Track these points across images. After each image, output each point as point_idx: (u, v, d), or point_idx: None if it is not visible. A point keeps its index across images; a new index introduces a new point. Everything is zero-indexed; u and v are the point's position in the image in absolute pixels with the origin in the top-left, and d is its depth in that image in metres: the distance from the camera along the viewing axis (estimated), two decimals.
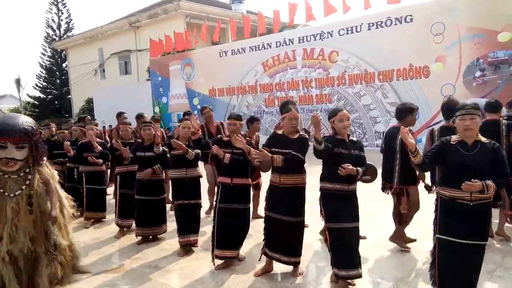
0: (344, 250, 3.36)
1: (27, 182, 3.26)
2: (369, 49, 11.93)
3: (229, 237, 4.06)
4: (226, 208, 4.06)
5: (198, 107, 16.91)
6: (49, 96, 34.52)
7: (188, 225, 4.60)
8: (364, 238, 4.55)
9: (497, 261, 3.97)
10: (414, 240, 4.48)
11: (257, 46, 14.93)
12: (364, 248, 4.13)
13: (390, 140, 4.35)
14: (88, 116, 9.23)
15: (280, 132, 3.87)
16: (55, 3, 34.27)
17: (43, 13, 48.28)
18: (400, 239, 4.44)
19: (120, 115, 7.56)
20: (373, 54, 11.91)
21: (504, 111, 5.34)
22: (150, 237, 5.10)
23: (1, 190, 3.15)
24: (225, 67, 15.87)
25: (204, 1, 24.97)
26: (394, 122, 11.70)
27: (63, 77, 34.17)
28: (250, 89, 15.31)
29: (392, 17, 11.44)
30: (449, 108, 4.03)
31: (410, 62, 11.17)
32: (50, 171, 3.59)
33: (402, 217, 4.38)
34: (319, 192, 3.54)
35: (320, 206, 3.53)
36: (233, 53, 15.69)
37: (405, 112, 4.31)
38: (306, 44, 13.49)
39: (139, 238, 5.06)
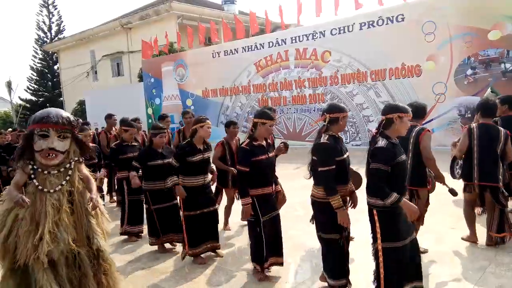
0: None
1: (67, 177, 2.92)
2: (361, 48, 11.98)
3: (278, 244, 3.86)
4: (270, 218, 3.77)
5: (192, 108, 16.90)
6: (41, 99, 34.26)
7: (205, 233, 4.34)
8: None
9: (490, 257, 4.00)
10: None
11: (249, 47, 14.94)
12: (362, 250, 4.15)
13: (402, 140, 4.26)
14: (80, 120, 9.14)
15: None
16: (46, 5, 34.11)
17: (33, 16, 47.94)
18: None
19: (110, 117, 7.58)
20: (365, 54, 11.96)
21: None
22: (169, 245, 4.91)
23: (40, 187, 2.81)
24: (218, 68, 15.85)
25: (196, 2, 24.95)
26: None
27: (54, 80, 33.97)
28: (243, 89, 15.31)
29: (383, 16, 11.50)
30: (489, 107, 4.33)
31: (402, 61, 11.23)
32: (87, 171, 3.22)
33: (419, 218, 4.15)
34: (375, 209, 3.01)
35: (378, 225, 2.99)
36: (226, 53, 15.69)
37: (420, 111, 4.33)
38: (299, 44, 13.52)
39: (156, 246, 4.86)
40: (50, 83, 34.51)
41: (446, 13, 10.27)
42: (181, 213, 4.43)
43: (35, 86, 34.46)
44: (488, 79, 9.93)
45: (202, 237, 4.29)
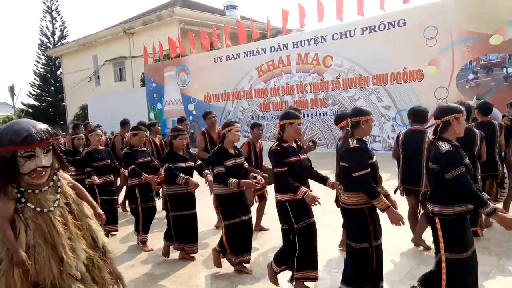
0: None
1: (59, 190, 2.74)
2: (363, 53, 12.00)
3: (313, 255, 3.58)
4: (305, 225, 3.52)
5: (194, 112, 16.93)
6: (43, 104, 34.41)
7: (244, 243, 4.12)
8: None
9: (492, 263, 3.98)
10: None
11: (251, 52, 14.98)
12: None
13: (413, 143, 4.30)
14: (91, 123, 9.00)
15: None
16: (49, 11, 34.30)
17: (37, 21, 48.24)
18: (421, 238, 4.43)
19: (125, 124, 7.38)
20: (367, 58, 11.98)
21: (496, 113, 5.44)
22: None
23: (38, 209, 2.59)
24: (220, 73, 15.90)
25: (198, 8, 25.08)
26: (388, 125, 11.83)
27: (57, 85, 34.11)
28: (245, 94, 15.33)
29: (385, 21, 11.52)
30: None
31: (404, 66, 11.24)
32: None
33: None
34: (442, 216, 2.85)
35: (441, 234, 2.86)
36: (228, 58, 15.74)
37: (427, 115, 4.44)
38: (300, 49, 13.56)
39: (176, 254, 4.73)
40: (52, 88, 34.65)
41: (448, 18, 10.29)
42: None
43: (38, 91, 34.61)
44: (490, 84, 9.92)
45: (244, 246, 4.07)
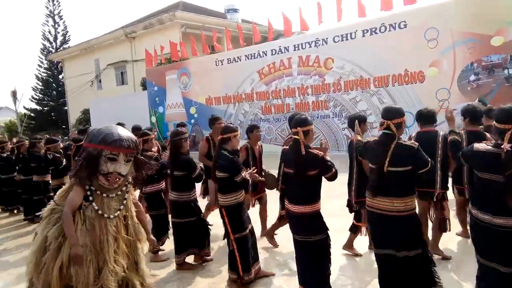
0: None
1: (124, 201, 2.79)
2: (364, 55, 12.00)
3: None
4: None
5: (196, 116, 16.96)
6: (46, 108, 34.50)
7: (253, 253, 4.01)
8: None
9: None
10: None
11: (252, 55, 15.01)
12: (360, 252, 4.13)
13: (426, 144, 4.20)
14: (90, 128, 8.94)
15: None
16: (52, 15, 34.45)
17: (39, 26, 48.46)
18: (438, 247, 4.31)
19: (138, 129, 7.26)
20: (368, 61, 11.98)
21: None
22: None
23: (100, 212, 2.65)
24: (221, 76, 15.92)
25: (200, 11, 25.13)
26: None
27: (59, 89, 34.20)
28: (246, 97, 15.35)
29: (386, 23, 11.53)
30: (478, 115, 4.39)
31: (405, 67, 11.24)
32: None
33: (445, 223, 4.27)
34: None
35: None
36: (229, 61, 15.76)
37: (435, 116, 4.46)
38: (301, 51, 13.57)
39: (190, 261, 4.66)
40: (55, 92, 34.75)
41: (449, 20, 10.29)
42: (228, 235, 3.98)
43: (40, 95, 34.72)
44: (492, 85, 9.90)
45: (254, 256, 3.95)
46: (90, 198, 2.65)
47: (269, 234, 5.08)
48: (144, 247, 2.92)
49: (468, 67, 10.24)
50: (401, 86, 11.41)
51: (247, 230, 3.88)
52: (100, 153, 2.64)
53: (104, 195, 2.69)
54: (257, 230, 4.75)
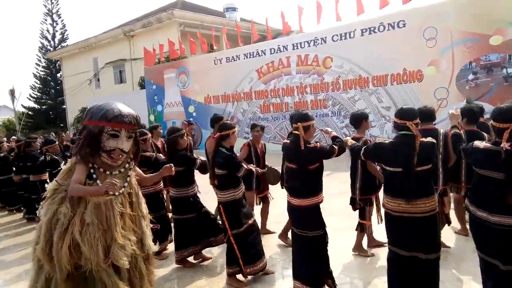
0: None
1: (128, 178, 2.75)
2: (362, 54, 12.02)
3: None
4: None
5: (194, 114, 16.95)
6: (44, 107, 34.43)
7: (256, 248, 3.97)
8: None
9: None
10: None
11: (251, 53, 15.01)
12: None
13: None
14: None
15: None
16: (50, 14, 34.37)
17: (37, 24, 48.34)
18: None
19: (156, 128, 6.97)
20: (366, 60, 12.00)
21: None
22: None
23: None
24: (220, 75, 15.92)
25: (198, 10, 25.11)
26: (389, 126, 11.84)
27: (57, 87, 34.12)
28: (245, 95, 15.35)
29: (385, 22, 11.54)
30: (476, 115, 4.47)
31: (404, 66, 11.26)
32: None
33: (448, 217, 4.39)
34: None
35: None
36: (228, 60, 15.76)
37: (435, 113, 4.53)
38: (300, 50, 13.58)
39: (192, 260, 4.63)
40: (53, 90, 34.67)
41: (447, 19, 10.31)
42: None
43: (38, 94, 34.63)
44: (490, 84, 9.93)
45: (257, 254, 3.92)
46: (94, 176, 2.62)
47: (283, 235, 5.00)
48: (151, 245, 2.85)
49: (467, 66, 10.27)
50: (400, 85, 11.44)
51: (246, 226, 3.86)
52: (102, 130, 2.59)
53: (108, 172, 2.66)
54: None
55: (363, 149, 3.35)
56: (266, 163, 5.20)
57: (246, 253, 3.82)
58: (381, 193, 4.39)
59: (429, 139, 3.03)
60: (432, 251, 2.95)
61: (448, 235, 4.72)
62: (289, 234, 4.25)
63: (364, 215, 4.42)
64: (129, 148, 2.74)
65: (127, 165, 2.78)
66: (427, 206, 2.91)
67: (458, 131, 3.76)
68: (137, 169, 2.94)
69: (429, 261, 2.94)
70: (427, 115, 4.35)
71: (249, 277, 3.94)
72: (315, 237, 3.32)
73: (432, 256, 2.94)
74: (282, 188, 4.72)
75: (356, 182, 4.36)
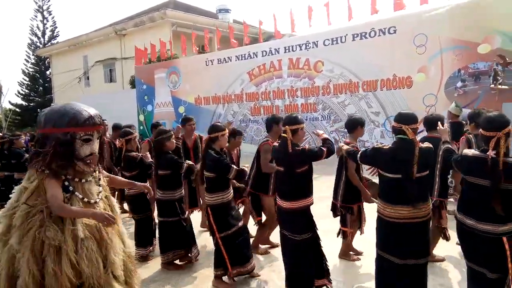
0: None
1: (100, 182, 2.60)
2: (353, 59, 12.09)
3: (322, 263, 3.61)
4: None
5: (184, 115, 16.86)
6: (32, 104, 34.02)
7: (244, 251, 3.95)
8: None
9: None
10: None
11: (243, 55, 15.00)
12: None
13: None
14: None
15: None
16: (41, 10, 34.01)
17: (27, 20, 47.74)
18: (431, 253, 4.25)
19: (116, 128, 7.00)
20: (357, 65, 12.08)
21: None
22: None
23: (85, 199, 2.43)
24: (211, 76, 15.88)
25: (191, 10, 25.05)
26: (378, 131, 11.91)
27: (46, 85, 33.76)
28: (236, 97, 15.33)
29: (376, 28, 11.63)
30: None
31: (394, 72, 11.35)
32: None
33: (446, 231, 4.27)
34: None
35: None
36: (219, 62, 15.74)
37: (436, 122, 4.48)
38: (292, 54, 13.62)
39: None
40: (41, 88, 34.30)
41: (437, 26, 10.42)
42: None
43: (26, 91, 34.23)
44: (478, 92, 10.06)
45: (245, 256, 3.91)
46: (70, 188, 2.41)
47: (256, 245, 4.84)
48: (129, 243, 2.76)
49: (455, 74, 10.39)
50: (389, 91, 11.53)
51: (234, 229, 3.84)
52: (74, 137, 2.39)
53: (83, 180, 2.47)
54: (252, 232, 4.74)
55: (359, 152, 3.34)
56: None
57: (234, 254, 3.82)
58: (365, 204, 4.42)
59: (426, 144, 3.03)
60: (425, 255, 2.99)
61: (449, 244, 4.73)
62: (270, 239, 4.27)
63: (345, 222, 4.38)
64: (97, 150, 2.55)
65: (96, 168, 2.61)
66: (427, 209, 2.98)
67: (449, 146, 3.75)
68: (102, 170, 2.78)
69: (419, 266, 2.97)
70: (432, 123, 4.27)
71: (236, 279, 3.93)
72: (305, 240, 3.33)
73: (423, 261, 2.97)
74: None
75: (339, 189, 4.34)
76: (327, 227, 4.70)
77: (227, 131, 4.04)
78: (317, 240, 3.45)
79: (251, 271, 3.95)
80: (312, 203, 3.41)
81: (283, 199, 3.39)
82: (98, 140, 2.55)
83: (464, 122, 5.17)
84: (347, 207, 4.31)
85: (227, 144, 4.24)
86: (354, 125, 4.32)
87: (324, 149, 3.37)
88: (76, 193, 2.43)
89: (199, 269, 4.43)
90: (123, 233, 2.72)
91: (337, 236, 4.53)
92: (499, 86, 8.60)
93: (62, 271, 2.27)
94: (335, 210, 4.42)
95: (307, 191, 3.38)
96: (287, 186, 3.38)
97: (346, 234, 4.44)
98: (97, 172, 2.62)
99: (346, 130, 4.43)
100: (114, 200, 2.75)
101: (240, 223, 3.94)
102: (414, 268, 2.96)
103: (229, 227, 3.83)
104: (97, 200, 2.50)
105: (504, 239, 2.59)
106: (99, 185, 2.59)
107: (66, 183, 2.41)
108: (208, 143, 3.92)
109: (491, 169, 2.58)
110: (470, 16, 9.96)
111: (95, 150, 2.48)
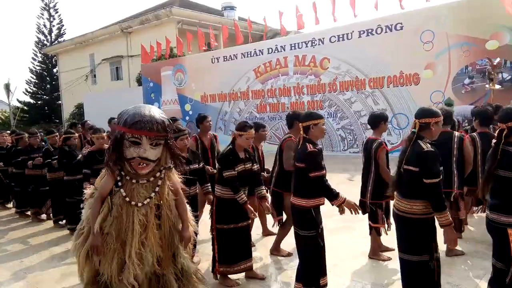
0: None
1: (157, 189, 2.56)
2: (360, 56, 12.04)
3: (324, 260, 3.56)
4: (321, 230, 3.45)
5: (190, 113, 16.92)
6: (39, 102, 34.21)
7: (240, 251, 3.90)
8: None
9: (485, 266, 4.00)
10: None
11: (249, 53, 15.00)
12: (354, 256, 4.15)
13: (444, 145, 4.18)
14: (89, 121, 8.42)
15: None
16: (47, 8, 34.13)
17: (34, 19, 48.01)
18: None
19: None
20: (363, 61, 12.02)
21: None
22: None
23: (127, 199, 2.46)
24: (217, 73, 15.90)
25: (197, 8, 25.06)
26: None
27: (53, 83, 33.92)
28: (242, 95, 15.34)
29: (382, 25, 11.57)
30: (488, 116, 4.46)
31: (400, 69, 11.29)
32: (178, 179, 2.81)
33: (461, 223, 4.27)
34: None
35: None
36: (225, 59, 15.74)
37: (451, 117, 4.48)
38: (298, 51, 13.58)
39: None
40: (48, 86, 34.45)
41: (445, 23, 10.35)
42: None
43: (34, 89, 34.41)
44: (485, 89, 9.98)
45: (236, 255, 3.84)
46: (120, 183, 2.50)
47: (276, 249, 4.75)
48: (186, 262, 2.73)
49: (463, 70, 10.32)
50: (396, 87, 11.47)
51: (232, 225, 3.80)
52: (123, 136, 2.44)
53: (134, 181, 2.50)
54: (256, 232, 4.71)
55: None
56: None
57: (224, 252, 3.80)
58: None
59: (426, 146, 2.87)
60: (412, 252, 3.01)
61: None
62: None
63: (376, 219, 4.30)
64: (157, 157, 2.52)
65: (158, 174, 2.59)
66: (402, 205, 2.98)
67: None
68: (174, 178, 2.72)
69: (409, 261, 3.00)
70: (445, 118, 4.27)
71: (244, 279, 3.94)
72: (311, 236, 3.32)
73: (414, 258, 2.98)
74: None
75: (368, 186, 4.28)
76: (332, 226, 4.70)
77: (248, 132, 3.89)
78: (321, 239, 3.43)
79: (239, 272, 3.90)
80: (323, 203, 3.35)
81: (292, 194, 3.43)
82: (157, 147, 2.51)
83: (457, 120, 5.07)
84: (377, 204, 4.26)
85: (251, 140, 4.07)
86: (378, 121, 4.29)
87: (320, 172, 3.23)
88: (121, 190, 2.49)
89: (201, 267, 4.43)
90: (178, 248, 2.67)
91: (370, 234, 4.44)
92: (494, 87, 8.55)
93: (81, 253, 2.53)
94: (364, 207, 4.30)
95: (308, 191, 3.31)
96: (294, 181, 3.43)
97: (379, 231, 4.33)
98: (157, 177, 2.59)
99: (369, 126, 4.39)
100: (174, 212, 2.67)
101: (241, 224, 3.85)
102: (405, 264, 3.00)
103: (228, 221, 3.80)
104: (140, 204, 2.48)
105: (509, 230, 2.62)
106: (155, 192, 2.56)
107: (119, 178, 2.53)
108: (232, 141, 3.96)
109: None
110: (477, 12, 9.88)
111: (143, 155, 2.44)
